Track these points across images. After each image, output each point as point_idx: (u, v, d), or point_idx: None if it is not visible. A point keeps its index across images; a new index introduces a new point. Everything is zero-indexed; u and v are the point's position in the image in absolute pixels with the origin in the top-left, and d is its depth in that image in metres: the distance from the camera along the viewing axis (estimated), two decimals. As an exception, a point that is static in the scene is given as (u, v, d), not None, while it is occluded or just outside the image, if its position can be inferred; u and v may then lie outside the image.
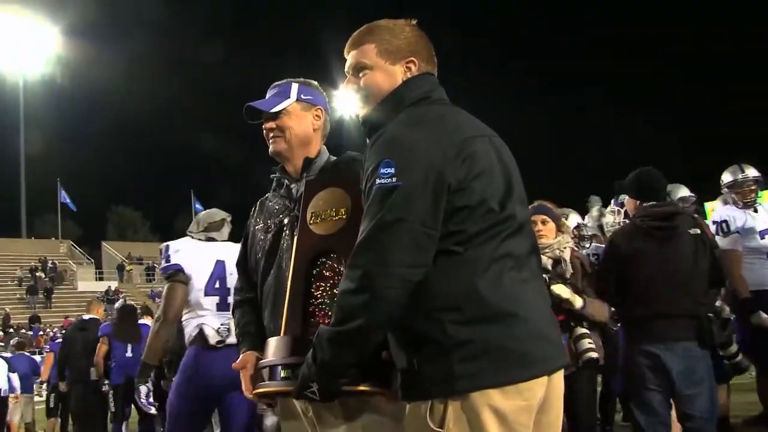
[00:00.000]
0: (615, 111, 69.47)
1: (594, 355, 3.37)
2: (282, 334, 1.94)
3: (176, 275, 3.74)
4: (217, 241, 4.02)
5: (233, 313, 2.36)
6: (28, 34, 42.17)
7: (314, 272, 1.99)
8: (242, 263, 2.38)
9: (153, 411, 4.13)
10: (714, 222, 4.90)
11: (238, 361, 2.13)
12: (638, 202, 3.68)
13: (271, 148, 2.28)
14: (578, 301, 3.40)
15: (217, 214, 4.14)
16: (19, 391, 10.38)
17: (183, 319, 3.81)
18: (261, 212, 2.37)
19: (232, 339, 3.62)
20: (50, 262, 37.26)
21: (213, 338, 3.69)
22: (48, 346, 11.44)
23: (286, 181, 2.31)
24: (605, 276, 3.59)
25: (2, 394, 9.62)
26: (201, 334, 3.71)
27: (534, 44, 77.11)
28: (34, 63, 43.56)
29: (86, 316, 8.04)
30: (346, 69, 1.88)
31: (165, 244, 3.94)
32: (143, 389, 3.86)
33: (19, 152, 43.09)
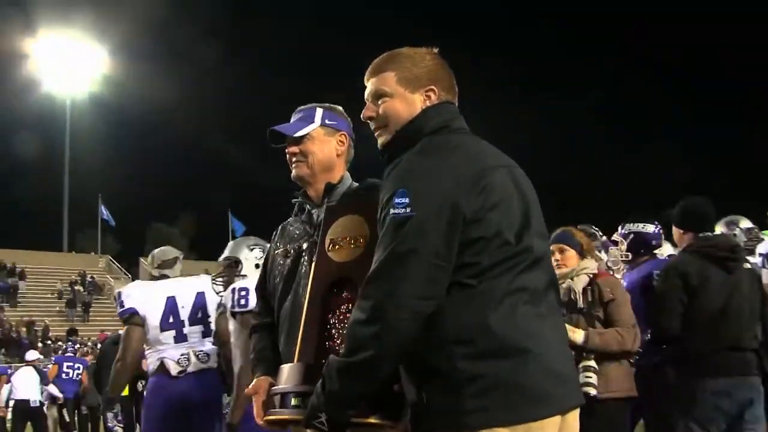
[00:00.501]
0: (617, 120, 69.57)
1: (592, 391, 3.21)
2: (296, 360, 1.92)
3: (131, 318, 3.99)
4: (169, 277, 4.31)
5: (250, 337, 2.36)
6: (76, 55, 43.58)
7: (330, 300, 1.97)
8: (261, 287, 2.38)
9: (119, 430, 4.55)
10: (760, 255, 4.74)
11: (251, 386, 2.12)
12: (682, 231, 3.58)
13: (293, 173, 2.28)
14: (578, 336, 3.27)
15: (170, 252, 4.46)
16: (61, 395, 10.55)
17: (146, 353, 4.10)
18: (282, 237, 2.37)
19: (192, 368, 3.96)
20: (89, 276, 37.95)
21: (174, 369, 3.96)
22: (53, 358, 11.65)
23: (308, 206, 2.31)
24: (669, 306, 3.41)
25: (32, 405, 9.79)
26: (162, 366, 3.98)
27: (537, 53, 76.71)
28: (82, 83, 44.93)
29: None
30: (365, 96, 1.88)
31: (117, 290, 4.31)
32: (110, 415, 4.31)
33: (64, 169, 44.31)
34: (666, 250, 5.30)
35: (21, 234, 43.11)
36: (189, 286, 4.21)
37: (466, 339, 1.54)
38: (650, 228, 4.40)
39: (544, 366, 1.55)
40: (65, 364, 10.66)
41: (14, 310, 32.32)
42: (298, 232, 2.30)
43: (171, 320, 4.04)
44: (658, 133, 69.40)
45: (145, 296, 4.09)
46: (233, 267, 3.85)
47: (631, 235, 4.38)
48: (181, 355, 3.98)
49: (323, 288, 1.98)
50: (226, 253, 3.93)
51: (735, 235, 4.76)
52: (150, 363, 4.06)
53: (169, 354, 3.98)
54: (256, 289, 2.42)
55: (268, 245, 3.91)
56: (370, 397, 1.65)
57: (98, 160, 52.44)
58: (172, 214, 55.81)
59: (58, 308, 34.47)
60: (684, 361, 3.41)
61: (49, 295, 35.78)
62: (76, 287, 36.26)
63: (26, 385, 9.95)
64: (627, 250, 4.36)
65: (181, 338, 4.03)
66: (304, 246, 2.22)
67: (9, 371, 12.01)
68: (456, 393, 1.52)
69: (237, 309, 3.43)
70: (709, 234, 3.52)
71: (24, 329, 29.82)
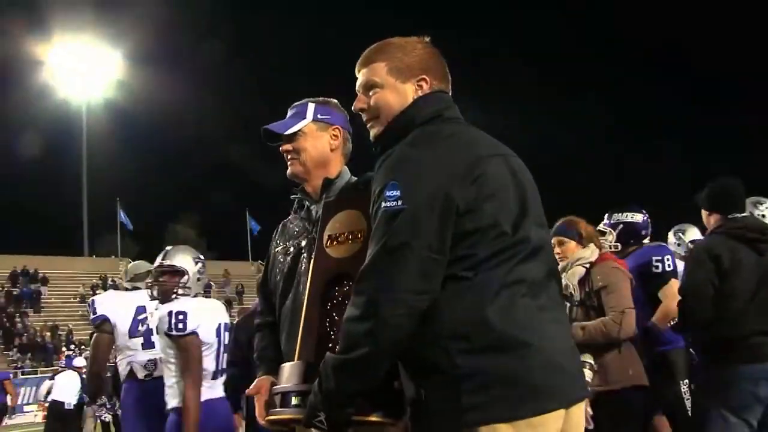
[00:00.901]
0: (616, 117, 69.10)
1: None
2: (296, 359, 1.90)
3: (102, 325, 4.29)
4: (140, 289, 4.51)
5: (254, 336, 2.34)
6: (90, 60, 43.95)
7: (331, 296, 1.94)
8: (263, 286, 2.35)
9: (109, 418, 5.05)
10: None
11: (252, 386, 2.10)
12: (709, 213, 3.46)
13: (288, 171, 2.25)
14: None
15: (142, 266, 4.82)
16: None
17: (117, 360, 4.40)
18: (282, 234, 2.34)
19: (158, 372, 4.12)
20: (110, 279, 38.28)
21: (141, 372, 4.22)
22: (63, 362, 11.80)
23: (306, 202, 2.28)
24: (701, 291, 3.24)
25: (66, 408, 9.97)
26: (131, 371, 4.25)
27: (544, 50, 75.79)
28: (97, 88, 45.31)
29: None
30: (356, 87, 1.84)
31: (91, 298, 4.62)
32: (95, 407, 4.77)
33: (81, 174, 44.73)
34: (690, 235, 5.21)
35: (41, 240, 43.57)
36: (166, 305, 4.32)
37: (463, 334, 1.49)
38: (639, 217, 4.35)
39: (545, 359, 1.50)
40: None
41: (38, 315, 32.76)
42: (297, 229, 2.27)
43: (140, 328, 4.30)
44: (658, 133, 69.05)
45: (116, 305, 4.40)
46: (176, 276, 3.80)
47: (621, 225, 4.31)
48: (148, 360, 4.22)
49: (322, 285, 1.95)
50: (168, 260, 3.85)
51: (764, 216, 4.60)
52: (121, 369, 4.32)
53: (136, 359, 4.23)
54: (258, 288, 2.40)
55: (202, 257, 3.96)
56: (369, 395, 1.62)
57: (115, 164, 52.91)
58: (189, 215, 56.06)
59: (80, 312, 34.75)
60: (714, 348, 3.28)
61: (72, 300, 36.18)
62: (97, 291, 36.60)
63: (65, 387, 10.17)
64: (616, 241, 4.28)
65: (148, 345, 4.24)
66: (303, 243, 2.19)
67: (10, 376, 12.22)
68: (454, 389, 1.48)
69: (174, 333, 3.43)
70: (738, 215, 3.38)
71: (48, 334, 30.19)
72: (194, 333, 3.46)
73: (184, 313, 3.45)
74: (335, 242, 1.96)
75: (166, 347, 3.51)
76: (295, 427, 2.09)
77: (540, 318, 1.54)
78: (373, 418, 1.66)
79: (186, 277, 3.77)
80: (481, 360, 1.48)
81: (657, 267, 4.05)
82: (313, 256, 2.02)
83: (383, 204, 1.54)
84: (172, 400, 3.47)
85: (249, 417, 5.26)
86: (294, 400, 1.79)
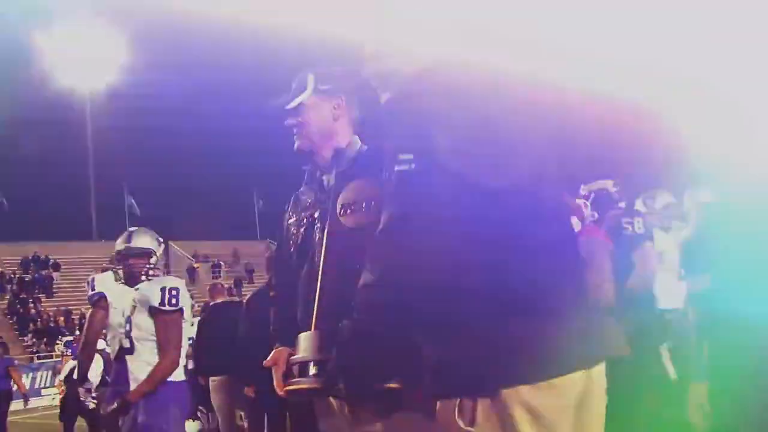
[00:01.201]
0: None
1: None
2: (312, 329, 1.90)
3: (99, 302, 4.41)
4: None
5: (267, 311, 2.34)
6: (93, 45, 43.88)
7: (345, 266, 1.93)
8: (277, 259, 2.35)
9: (92, 406, 5.05)
10: None
11: (269, 357, 2.10)
12: None
13: (295, 145, 2.22)
14: None
15: None
16: None
17: (107, 339, 4.42)
18: (295, 206, 2.33)
19: None
20: (120, 263, 38.56)
21: None
22: (70, 351, 11.90)
23: (318, 172, 2.26)
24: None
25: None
26: (122, 349, 4.21)
27: None
28: (100, 71, 45.28)
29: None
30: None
31: (91, 276, 4.77)
32: (81, 390, 4.80)
33: (88, 160, 44.89)
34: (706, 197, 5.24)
35: (51, 226, 43.75)
36: (153, 282, 4.40)
37: (480, 298, 1.48)
38: (609, 183, 4.44)
39: (564, 321, 1.49)
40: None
41: (51, 300, 33.03)
42: (309, 200, 2.25)
43: None
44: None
45: (114, 284, 4.42)
46: (143, 258, 3.86)
47: (593, 195, 4.39)
48: None
49: (337, 254, 1.94)
50: (134, 243, 3.92)
51: None
52: (111, 346, 4.31)
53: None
54: (272, 260, 2.40)
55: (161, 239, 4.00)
56: (388, 361, 1.61)
57: (122, 149, 52.84)
58: (196, 197, 56.23)
59: (93, 296, 35.09)
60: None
61: (83, 285, 36.34)
62: (108, 275, 36.84)
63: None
64: (593, 210, 4.33)
65: None
66: (316, 214, 2.18)
67: (15, 362, 12.36)
68: (474, 353, 1.47)
69: (167, 307, 3.49)
70: None
71: (62, 319, 30.49)
72: (182, 310, 3.53)
73: (177, 290, 3.53)
74: (349, 211, 1.96)
75: (144, 324, 3.56)
76: (313, 397, 2.11)
77: (558, 278, 1.52)
78: (393, 386, 1.66)
79: (154, 258, 3.85)
80: (500, 323, 1.46)
81: (627, 228, 4.08)
82: (326, 227, 2.01)
83: (395, 168, 1.51)
84: (144, 377, 3.53)
85: (261, 390, 5.32)
86: (312, 370, 1.81)
